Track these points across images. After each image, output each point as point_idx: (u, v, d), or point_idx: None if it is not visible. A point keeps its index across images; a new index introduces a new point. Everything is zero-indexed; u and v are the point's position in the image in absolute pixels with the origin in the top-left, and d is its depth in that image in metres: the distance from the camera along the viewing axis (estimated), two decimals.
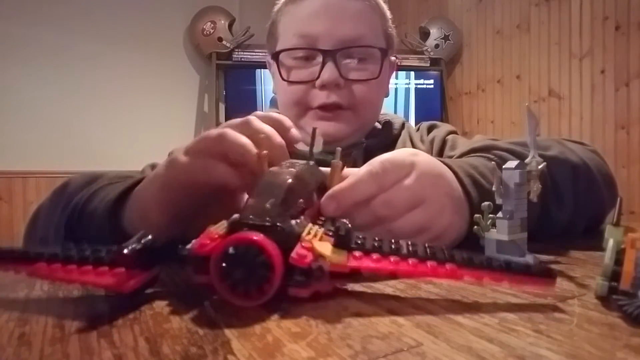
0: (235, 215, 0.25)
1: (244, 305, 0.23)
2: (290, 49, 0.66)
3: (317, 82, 0.64)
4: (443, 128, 0.75)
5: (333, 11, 0.65)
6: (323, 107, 0.65)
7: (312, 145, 0.28)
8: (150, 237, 0.25)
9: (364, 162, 0.64)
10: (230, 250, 0.22)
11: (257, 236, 0.22)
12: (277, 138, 0.36)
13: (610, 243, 0.22)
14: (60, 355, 0.18)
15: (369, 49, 0.66)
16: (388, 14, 0.71)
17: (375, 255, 0.24)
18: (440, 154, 0.69)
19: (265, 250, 0.22)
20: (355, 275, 0.28)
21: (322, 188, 0.28)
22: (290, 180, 0.27)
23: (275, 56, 0.67)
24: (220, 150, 0.34)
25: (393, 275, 0.27)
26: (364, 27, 0.66)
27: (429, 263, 0.24)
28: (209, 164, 0.34)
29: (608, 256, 0.22)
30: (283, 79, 0.67)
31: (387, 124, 0.74)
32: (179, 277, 0.29)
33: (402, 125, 0.75)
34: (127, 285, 0.23)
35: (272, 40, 0.72)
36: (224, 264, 0.22)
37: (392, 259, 0.24)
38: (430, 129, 0.76)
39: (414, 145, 0.72)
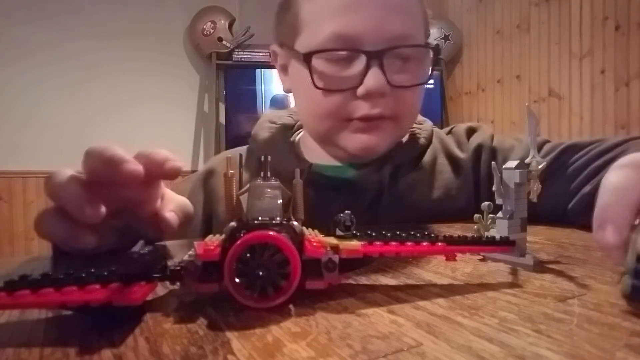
0: (232, 223, 0.24)
1: (261, 307, 0.22)
2: (326, 50, 0.54)
3: (360, 91, 0.54)
4: (484, 131, 0.66)
5: (377, 2, 0.54)
6: (364, 119, 0.56)
7: (265, 170, 0.28)
8: (149, 247, 0.24)
9: (391, 178, 0.61)
10: (247, 249, 0.22)
11: (273, 233, 0.22)
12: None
13: (633, 241, 0.22)
14: (60, 355, 0.18)
15: (416, 48, 0.56)
16: (429, 11, 0.62)
17: (378, 242, 0.26)
18: (489, 163, 0.63)
19: (285, 247, 0.22)
20: (357, 271, 0.29)
21: (288, 204, 0.28)
22: (279, 189, 0.27)
23: (307, 59, 0.55)
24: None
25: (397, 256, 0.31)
26: (412, 22, 0.57)
27: (424, 243, 0.27)
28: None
29: (630, 255, 0.21)
30: (317, 87, 0.55)
31: (413, 136, 0.65)
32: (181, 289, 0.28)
33: (432, 133, 0.67)
34: (134, 297, 0.21)
35: (288, 28, 0.59)
36: (240, 265, 0.22)
37: (393, 243, 0.26)
38: (469, 133, 0.67)
39: (449, 154, 0.65)
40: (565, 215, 0.56)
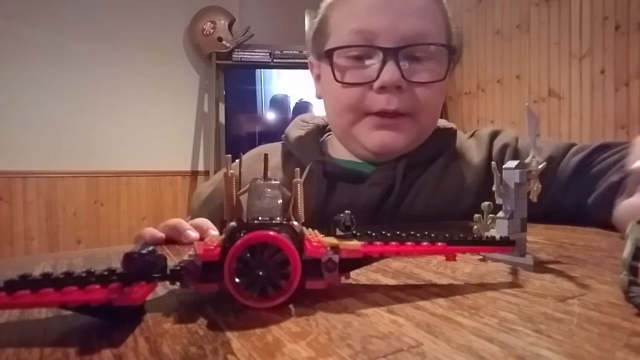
0: (232, 223, 0.24)
1: (261, 307, 0.22)
2: (346, 47, 0.58)
3: (376, 84, 0.57)
4: (508, 133, 0.67)
5: (395, 4, 0.57)
6: (381, 114, 0.58)
7: (265, 169, 0.28)
8: (151, 248, 0.24)
9: (404, 177, 0.62)
10: (247, 249, 0.22)
11: (273, 233, 0.22)
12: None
13: (629, 239, 0.22)
14: (60, 355, 0.18)
15: (434, 47, 0.59)
16: (450, 11, 0.64)
17: (378, 242, 0.26)
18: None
19: (285, 247, 0.22)
20: (357, 271, 0.28)
21: (288, 204, 0.28)
22: (278, 189, 0.27)
23: (329, 54, 0.59)
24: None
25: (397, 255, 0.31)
26: (429, 23, 0.59)
27: (424, 243, 0.27)
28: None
29: (627, 252, 0.22)
30: (337, 80, 0.59)
31: (435, 137, 0.66)
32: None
33: (452, 135, 0.68)
34: (134, 297, 0.20)
35: (320, 38, 0.64)
36: (240, 265, 0.22)
37: (393, 243, 0.26)
38: (492, 136, 0.67)
39: (465, 158, 0.65)
40: (589, 207, 0.56)
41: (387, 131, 0.59)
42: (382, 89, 0.57)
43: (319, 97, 0.69)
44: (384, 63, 0.56)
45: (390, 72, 0.56)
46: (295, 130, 0.71)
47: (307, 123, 0.72)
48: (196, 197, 0.73)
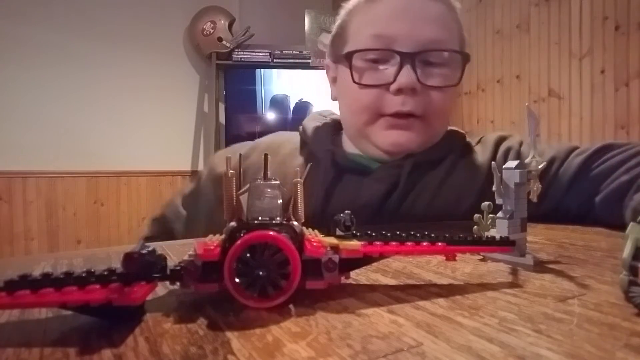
0: (232, 223, 0.24)
1: (261, 307, 0.22)
2: (366, 50, 0.61)
3: (393, 86, 0.59)
4: (513, 138, 0.69)
5: (414, 12, 0.61)
6: (395, 115, 0.61)
7: (265, 169, 0.28)
8: (151, 248, 0.23)
9: (408, 176, 0.63)
10: (247, 249, 0.22)
11: (273, 233, 0.22)
12: None
13: (629, 239, 0.22)
14: (60, 355, 0.18)
15: (448, 53, 0.62)
16: (462, 20, 0.66)
17: (378, 242, 0.26)
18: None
19: (285, 247, 0.22)
20: (357, 271, 0.28)
21: (288, 204, 0.28)
22: (278, 189, 0.27)
23: (348, 57, 0.62)
24: None
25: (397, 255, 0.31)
26: (444, 31, 0.63)
27: (424, 243, 0.27)
28: None
29: (627, 252, 0.22)
30: (355, 81, 0.62)
31: (442, 139, 0.67)
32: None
33: (459, 138, 0.69)
34: (134, 297, 0.20)
35: (339, 41, 0.67)
36: (240, 265, 0.22)
37: (393, 243, 0.26)
38: (499, 141, 0.69)
39: (470, 161, 0.66)
40: (594, 208, 0.57)
41: (400, 130, 0.61)
42: (399, 91, 0.59)
43: (334, 99, 0.72)
44: (401, 67, 0.59)
45: (406, 76, 0.58)
46: (312, 121, 0.73)
47: (325, 117, 0.75)
48: (212, 169, 0.73)
